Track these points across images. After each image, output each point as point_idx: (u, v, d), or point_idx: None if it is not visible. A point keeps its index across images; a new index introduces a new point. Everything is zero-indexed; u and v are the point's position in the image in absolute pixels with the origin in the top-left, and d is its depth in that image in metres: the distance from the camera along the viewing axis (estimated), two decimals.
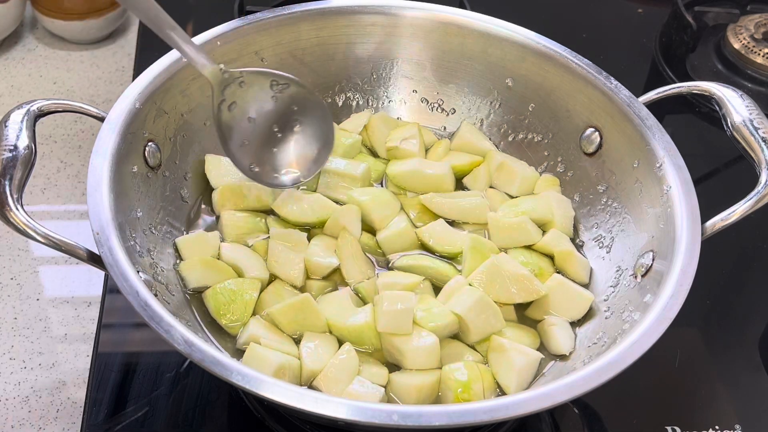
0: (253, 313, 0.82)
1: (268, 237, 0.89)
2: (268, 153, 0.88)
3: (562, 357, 0.82)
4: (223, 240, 0.89)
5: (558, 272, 0.89)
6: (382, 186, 0.98)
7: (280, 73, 0.87)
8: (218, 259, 0.86)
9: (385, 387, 0.77)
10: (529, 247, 0.91)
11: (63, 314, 0.99)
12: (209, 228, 0.91)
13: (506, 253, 0.89)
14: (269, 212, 0.93)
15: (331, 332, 0.82)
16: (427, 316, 0.80)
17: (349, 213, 0.89)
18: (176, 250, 0.87)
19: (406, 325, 0.78)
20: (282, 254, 0.86)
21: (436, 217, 0.93)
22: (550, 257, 0.91)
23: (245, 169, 0.87)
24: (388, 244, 0.90)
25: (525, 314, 0.86)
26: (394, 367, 0.80)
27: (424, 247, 0.91)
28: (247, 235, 0.90)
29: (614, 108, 0.90)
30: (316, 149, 0.89)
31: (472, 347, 0.82)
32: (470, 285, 0.83)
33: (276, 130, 0.88)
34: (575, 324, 0.85)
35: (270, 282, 0.86)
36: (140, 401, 0.83)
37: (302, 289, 0.85)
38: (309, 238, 0.89)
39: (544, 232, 0.92)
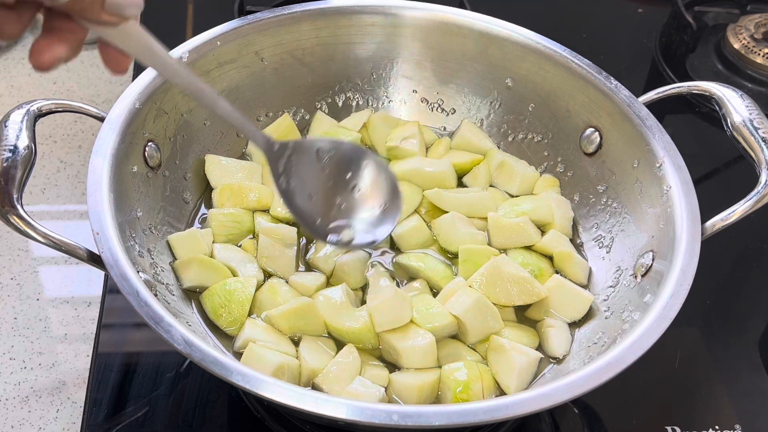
0: (250, 313, 0.82)
1: (253, 237, 0.90)
2: (332, 217, 0.82)
3: (557, 360, 0.82)
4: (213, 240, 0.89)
5: (557, 273, 0.89)
6: None
7: (324, 139, 0.83)
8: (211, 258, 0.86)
9: (385, 388, 0.77)
10: (528, 248, 0.91)
11: (63, 314, 0.99)
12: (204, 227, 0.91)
13: (506, 253, 0.89)
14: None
15: (329, 333, 0.82)
16: (425, 316, 0.80)
17: None
18: (170, 247, 0.87)
19: (403, 316, 0.78)
20: (272, 249, 0.87)
21: (445, 213, 0.93)
22: (550, 258, 0.91)
23: (310, 228, 0.81)
24: (403, 241, 0.91)
25: (525, 315, 0.86)
26: (394, 367, 0.80)
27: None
28: (234, 233, 0.89)
29: (614, 108, 0.90)
30: (379, 212, 0.82)
31: (472, 347, 0.82)
32: (470, 287, 0.83)
33: (338, 200, 0.82)
34: (575, 324, 0.85)
35: (265, 280, 0.86)
36: (140, 401, 0.83)
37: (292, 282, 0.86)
38: (297, 233, 0.89)
39: (543, 232, 0.92)
